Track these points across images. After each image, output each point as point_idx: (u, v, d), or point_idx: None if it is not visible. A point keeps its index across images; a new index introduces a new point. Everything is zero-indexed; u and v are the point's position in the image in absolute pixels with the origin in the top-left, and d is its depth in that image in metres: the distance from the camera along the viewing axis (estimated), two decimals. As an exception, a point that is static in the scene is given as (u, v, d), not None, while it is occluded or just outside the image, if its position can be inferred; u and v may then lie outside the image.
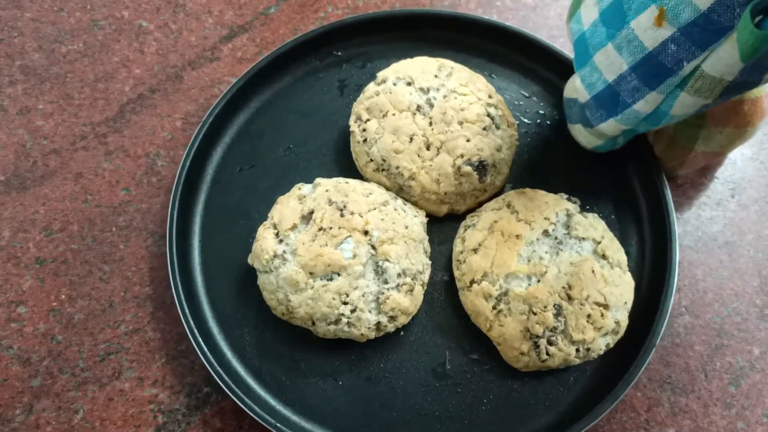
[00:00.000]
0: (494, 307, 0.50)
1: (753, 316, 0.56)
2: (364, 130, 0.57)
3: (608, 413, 0.51)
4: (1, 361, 0.54)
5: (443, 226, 0.57)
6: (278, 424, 0.48)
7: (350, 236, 0.50)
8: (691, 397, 0.53)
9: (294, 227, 0.51)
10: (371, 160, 0.56)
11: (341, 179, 0.54)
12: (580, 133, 0.56)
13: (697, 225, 0.60)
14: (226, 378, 0.49)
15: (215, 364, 0.50)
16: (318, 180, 0.54)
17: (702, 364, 0.54)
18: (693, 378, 0.54)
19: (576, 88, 0.53)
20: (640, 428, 0.52)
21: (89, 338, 0.55)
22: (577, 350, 0.49)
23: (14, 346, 0.54)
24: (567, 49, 0.63)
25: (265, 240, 0.51)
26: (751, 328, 0.55)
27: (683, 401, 0.53)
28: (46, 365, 0.54)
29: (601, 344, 0.49)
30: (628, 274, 0.52)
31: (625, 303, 0.50)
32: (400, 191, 0.56)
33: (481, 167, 0.55)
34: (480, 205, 0.57)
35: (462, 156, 0.54)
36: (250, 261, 0.52)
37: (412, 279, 0.51)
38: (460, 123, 0.55)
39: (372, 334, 0.50)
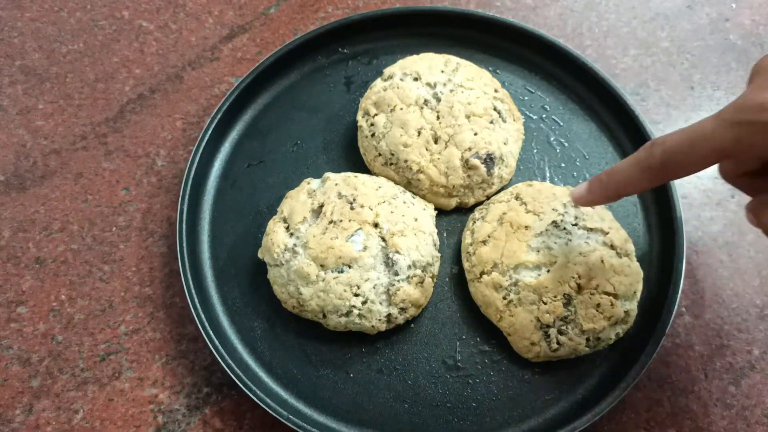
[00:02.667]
0: (504, 298, 0.50)
1: (753, 316, 0.56)
2: (372, 124, 0.57)
3: (608, 413, 0.51)
4: (1, 361, 0.54)
5: (451, 219, 0.58)
6: (290, 416, 0.48)
7: (360, 229, 0.50)
8: (691, 397, 0.53)
9: (304, 221, 0.51)
10: (379, 155, 0.56)
11: (350, 173, 0.55)
12: None
13: (697, 225, 0.60)
14: (238, 371, 0.50)
15: (227, 357, 0.50)
16: (327, 174, 0.54)
17: (702, 364, 0.54)
18: (693, 378, 0.54)
19: None
20: (640, 428, 0.52)
21: (89, 338, 0.55)
22: (588, 340, 0.49)
23: (14, 346, 0.54)
24: (570, 46, 0.64)
25: (275, 234, 0.51)
26: (751, 328, 0.56)
27: (683, 401, 0.53)
28: (46, 365, 0.54)
29: (611, 334, 0.50)
30: (637, 264, 0.52)
31: (635, 293, 0.51)
32: (409, 185, 0.56)
33: (488, 160, 0.55)
34: (488, 198, 0.58)
35: (470, 149, 0.54)
36: (260, 255, 0.53)
37: (422, 271, 0.51)
38: (468, 116, 0.55)
39: (383, 326, 0.51)
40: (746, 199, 0.63)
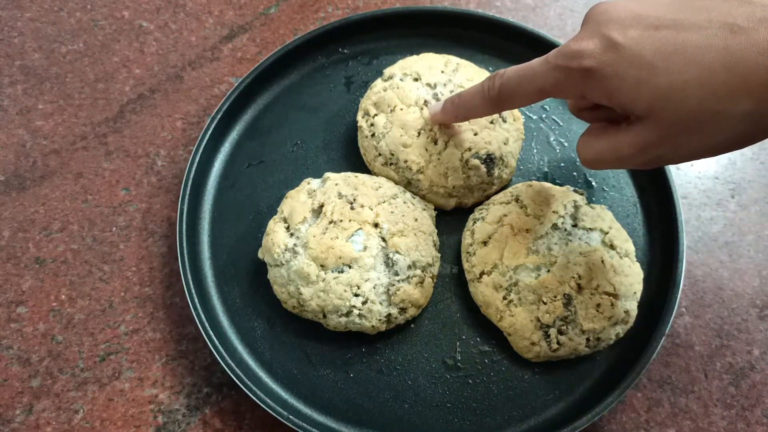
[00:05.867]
0: (504, 298, 0.50)
1: (753, 316, 0.56)
2: (371, 125, 0.57)
3: (608, 413, 0.51)
4: (1, 361, 0.54)
5: (451, 219, 0.58)
6: (290, 416, 0.48)
7: (361, 229, 0.50)
8: (691, 397, 0.53)
9: (304, 221, 0.51)
10: (379, 155, 0.56)
11: (350, 173, 0.55)
12: None
13: (697, 225, 0.60)
14: (238, 371, 0.50)
15: (227, 357, 0.50)
16: (327, 174, 0.54)
17: (702, 365, 0.54)
18: (693, 378, 0.54)
19: None
20: (640, 428, 0.52)
21: (89, 338, 0.55)
22: (588, 340, 0.49)
23: (14, 346, 0.54)
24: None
25: (276, 234, 0.51)
26: (751, 328, 0.56)
27: (683, 401, 0.53)
28: (46, 365, 0.54)
29: (611, 334, 0.50)
30: (637, 264, 0.52)
31: (635, 293, 0.51)
32: (409, 185, 0.56)
33: (488, 160, 0.55)
34: (488, 198, 0.58)
35: (470, 149, 0.54)
36: (260, 255, 0.53)
37: (422, 271, 0.51)
38: (468, 117, 0.55)
39: (383, 327, 0.51)
40: (747, 199, 0.63)
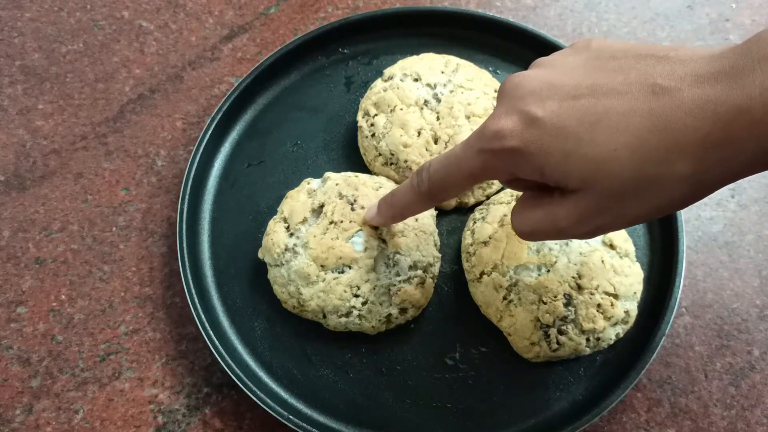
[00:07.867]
0: (504, 298, 0.50)
1: (753, 316, 0.56)
2: (372, 125, 0.57)
3: (608, 414, 0.51)
4: (1, 361, 0.54)
5: (451, 219, 0.58)
6: (290, 416, 0.48)
7: (361, 229, 0.50)
8: (691, 397, 0.53)
9: (304, 221, 0.51)
10: (379, 155, 0.57)
11: (351, 173, 0.55)
12: None
13: (697, 225, 0.60)
14: (238, 371, 0.50)
15: (227, 357, 0.50)
16: (327, 174, 0.54)
17: (702, 365, 0.54)
18: (693, 378, 0.54)
19: None
20: (641, 428, 0.52)
21: (89, 338, 0.55)
22: (588, 340, 0.49)
23: (14, 346, 0.54)
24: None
25: (276, 233, 0.51)
26: (751, 328, 0.56)
27: (683, 402, 0.53)
28: (46, 365, 0.54)
29: (611, 334, 0.50)
30: (637, 265, 0.52)
31: (635, 293, 0.51)
32: (409, 185, 0.56)
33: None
34: (488, 197, 0.58)
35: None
36: (260, 255, 0.53)
37: (423, 271, 0.51)
38: (468, 117, 0.55)
39: (383, 327, 0.51)
40: (747, 199, 0.63)
